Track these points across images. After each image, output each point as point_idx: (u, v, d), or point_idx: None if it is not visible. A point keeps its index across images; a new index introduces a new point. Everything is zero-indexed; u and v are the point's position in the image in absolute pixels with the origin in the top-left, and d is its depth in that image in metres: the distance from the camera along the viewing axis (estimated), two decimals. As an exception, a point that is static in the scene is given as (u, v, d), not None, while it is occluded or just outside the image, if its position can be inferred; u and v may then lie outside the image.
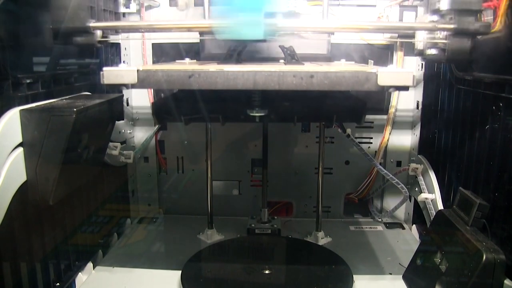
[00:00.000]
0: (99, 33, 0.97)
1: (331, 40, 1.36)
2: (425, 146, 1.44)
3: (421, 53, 1.05)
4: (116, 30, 1.10)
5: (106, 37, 1.01)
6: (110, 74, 0.83)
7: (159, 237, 1.46)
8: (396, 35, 1.39)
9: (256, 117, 1.09)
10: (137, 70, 0.83)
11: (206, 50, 1.30)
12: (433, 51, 0.99)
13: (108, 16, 1.08)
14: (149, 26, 1.05)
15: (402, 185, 1.41)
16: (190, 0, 1.38)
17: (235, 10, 0.84)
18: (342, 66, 1.01)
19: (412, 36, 1.13)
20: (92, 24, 0.93)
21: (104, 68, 0.84)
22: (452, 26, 0.88)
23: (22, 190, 0.85)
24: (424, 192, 1.32)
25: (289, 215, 1.64)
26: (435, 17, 0.94)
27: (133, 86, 0.84)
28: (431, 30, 0.96)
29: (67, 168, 0.90)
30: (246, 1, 0.84)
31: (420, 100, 1.46)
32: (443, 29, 0.91)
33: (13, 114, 0.83)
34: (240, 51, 1.06)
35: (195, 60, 1.24)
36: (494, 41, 0.95)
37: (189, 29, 1.00)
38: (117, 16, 1.17)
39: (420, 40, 1.02)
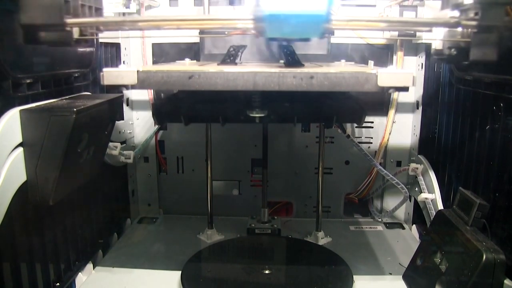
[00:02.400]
0: (76, 30, 0.86)
1: (331, 41, 1.36)
2: (425, 146, 1.44)
3: (439, 53, 0.95)
4: (98, 28, 0.99)
5: (85, 35, 0.90)
6: (110, 75, 0.83)
7: (159, 237, 1.47)
8: (396, 34, 1.39)
9: (256, 118, 1.09)
10: (137, 71, 0.83)
11: (206, 50, 1.30)
12: (453, 51, 0.89)
13: (87, 12, 0.97)
14: (133, 22, 0.93)
15: (402, 185, 1.41)
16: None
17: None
18: (342, 67, 1.01)
19: (413, 35, 1.12)
20: (68, 20, 0.82)
21: (104, 69, 0.84)
22: (476, 22, 0.78)
23: (22, 190, 0.85)
24: (424, 192, 1.32)
25: (289, 215, 1.64)
26: (456, 13, 0.84)
27: (133, 87, 0.84)
28: (454, 27, 0.86)
29: (67, 168, 0.90)
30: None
31: (420, 100, 1.46)
32: (468, 26, 0.81)
33: (13, 114, 0.83)
34: (240, 51, 1.06)
35: (195, 61, 1.24)
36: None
37: (179, 27, 0.91)
38: (99, 12, 1.08)
39: (439, 39, 0.93)
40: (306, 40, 0.95)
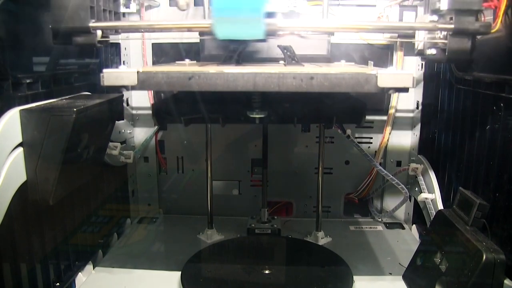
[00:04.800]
0: (99, 33, 0.96)
1: (331, 40, 1.36)
2: (425, 146, 1.44)
3: (421, 53, 1.05)
4: (116, 30, 1.09)
5: (106, 37, 1.01)
6: (110, 76, 0.83)
7: (159, 237, 1.47)
8: (396, 35, 1.39)
9: (256, 119, 1.09)
10: (137, 72, 0.83)
11: (206, 51, 1.30)
12: (433, 51, 0.99)
13: (108, 16, 1.08)
14: (149, 26, 1.05)
15: (402, 185, 1.41)
16: (191, 0, 1.38)
17: (235, 9, 0.84)
18: (342, 68, 1.01)
19: (413, 36, 1.13)
20: (92, 24, 0.92)
21: (104, 70, 0.84)
22: (452, 26, 0.88)
23: (22, 190, 0.86)
24: (424, 192, 1.32)
25: (289, 215, 1.64)
26: (435, 17, 0.94)
27: (133, 88, 0.84)
28: (431, 30, 0.96)
29: (67, 168, 0.90)
30: (246, 0, 0.84)
31: (420, 100, 1.46)
32: (443, 29, 0.91)
33: (13, 114, 0.83)
34: (240, 52, 1.06)
35: (195, 61, 1.24)
36: (494, 41, 0.95)
37: (190, 29, 1.00)
38: (117, 16, 1.17)
39: (420, 40, 1.02)
40: (261, 40, 0.99)
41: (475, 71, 1.05)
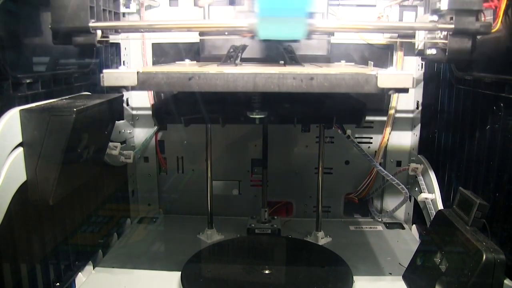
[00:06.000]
0: (99, 33, 0.96)
1: (331, 41, 1.36)
2: (425, 146, 1.44)
3: (421, 53, 1.05)
4: (116, 30, 1.09)
5: (106, 37, 1.01)
6: (110, 76, 0.83)
7: (159, 237, 1.47)
8: (396, 35, 1.39)
9: (256, 119, 1.09)
10: (137, 72, 0.83)
11: (206, 51, 1.30)
12: (433, 51, 0.99)
13: (108, 16, 1.08)
14: (149, 26, 1.05)
15: (403, 185, 1.41)
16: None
17: (280, 9, 0.83)
18: (342, 68, 1.01)
19: (413, 36, 1.13)
20: (92, 24, 0.92)
21: (104, 70, 0.84)
22: (452, 26, 0.88)
23: (22, 190, 0.85)
24: (424, 192, 1.32)
25: (289, 215, 1.64)
26: (435, 17, 0.94)
27: (133, 88, 0.84)
28: (431, 30, 0.96)
29: (67, 168, 0.90)
30: (291, 1, 0.84)
31: (420, 100, 1.46)
32: (443, 29, 0.91)
33: (13, 114, 0.83)
34: (240, 52, 1.06)
35: (195, 61, 1.24)
36: (494, 41, 0.95)
37: (189, 29, 0.99)
38: (117, 16, 1.17)
39: (420, 40, 1.02)
40: (296, 41, 0.99)
41: (475, 71, 1.05)
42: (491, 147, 0.99)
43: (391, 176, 1.41)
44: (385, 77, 0.80)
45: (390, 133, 1.52)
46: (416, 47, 1.06)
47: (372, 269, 1.22)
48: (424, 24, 0.97)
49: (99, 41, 0.97)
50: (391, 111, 1.50)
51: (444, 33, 0.93)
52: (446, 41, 0.92)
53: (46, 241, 1.00)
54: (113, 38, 1.39)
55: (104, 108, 1.03)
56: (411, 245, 1.35)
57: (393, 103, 1.50)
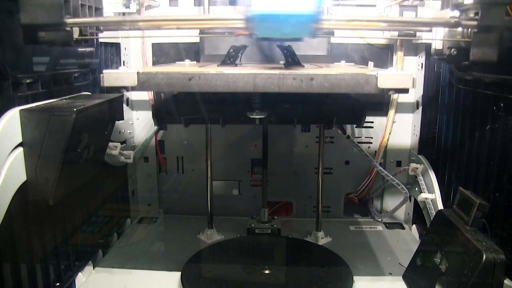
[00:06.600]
0: (76, 30, 0.88)
1: (331, 41, 1.36)
2: (425, 146, 1.44)
3: (439, 54, 0.95)
4: (98, 28, 0.98)
5: (85, 35, 0.92)
6: (110, 77, 0.83)
7: (159, 237, 1.47)
8: (396, 33, 1.38)
9: (256, 119, 1.09)
10: (137, 73, 0.83)
11: (206, 51, 1.30)
12: (454, 51, 0.89)
13: (88, 12, 0.99)
14: (132, 22, 0.94)
15: (403, 186, 1.41)
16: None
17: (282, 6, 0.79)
18: (342, 68, 1.01)
19: (412, 35, 1.12)
20: (68, 20, 0.82)
21: (104, 71, 0.84)
22: (476, 22, 0.78)
23: (22, 190, 0.85)
24: (424, 192, 1.32)
25: (289, 215, 1.64)
26: (457, 13, 0.85)
27: (133, 88, 0.84)
28: (454, 27, 0.85)
29: (67, 168, 0.90)
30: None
31: (420, 100, 1.46)
32: (468, 26, 0.81)
33: (13, 114, 0.83)
34: (240, 52, 1.06)
35: (195, 62, 1.24)
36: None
37: (179, 27, 0.90)
38: (99, 12, 1.07)
39: (439, 39, 0.92)
40: (298, 39, 0.95)
41: (475, 71, 1.05)
42: (491, 147, 0.99)
43: (391, 176, 1.41)
44: (385, 78, 0.80)
45: (390, 133, 1.52)
46: (432, 47, 0.96)
47: (372, 269, 1.22)
48: (446, 20, 0.85)
49: (77, 40, 0.89)
50: (391, 111, 1.50)
51: (465, 30, 0.83)
52: (469, 40, 0.82)
53: (46, 241, 1.00)
54: (113, 38, 1.39)
55: (104, 108, 1.03)
56: (411, 245, 1.35)
57: (393, 103, 1.50)
